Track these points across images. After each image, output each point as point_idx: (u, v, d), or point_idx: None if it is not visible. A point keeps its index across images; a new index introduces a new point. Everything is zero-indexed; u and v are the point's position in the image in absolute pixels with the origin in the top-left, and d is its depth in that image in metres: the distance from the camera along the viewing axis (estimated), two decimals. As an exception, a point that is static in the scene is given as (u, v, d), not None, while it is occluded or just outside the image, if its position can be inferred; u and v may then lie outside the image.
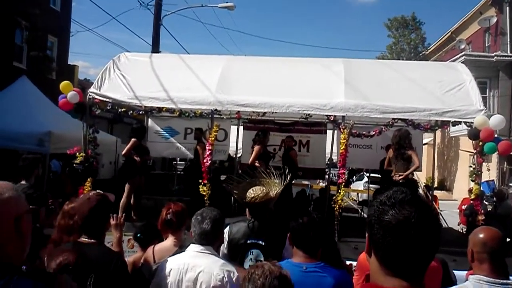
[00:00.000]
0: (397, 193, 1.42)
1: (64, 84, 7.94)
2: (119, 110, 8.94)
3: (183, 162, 14.14)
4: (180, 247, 3.22)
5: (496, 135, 7.43)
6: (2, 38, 15.67)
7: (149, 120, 10.83)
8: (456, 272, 3.88)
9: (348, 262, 4.26)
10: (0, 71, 15.10)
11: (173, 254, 3.09)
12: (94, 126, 8.04)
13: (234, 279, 2.82)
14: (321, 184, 15.00)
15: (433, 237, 1.37)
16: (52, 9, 19.05)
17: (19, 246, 1.63)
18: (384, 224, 1.38)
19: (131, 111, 9.28)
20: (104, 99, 8.07)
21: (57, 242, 3.20)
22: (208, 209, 3.12)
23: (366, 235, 1.46)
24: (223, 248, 3.53)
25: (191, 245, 3.00)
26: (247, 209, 3.79)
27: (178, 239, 3.55)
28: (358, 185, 20.66)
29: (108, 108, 8.53)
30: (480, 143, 7.16)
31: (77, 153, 7.75)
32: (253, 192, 3.67)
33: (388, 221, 1.37)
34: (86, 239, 2.87)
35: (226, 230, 3.59)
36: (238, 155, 11.03)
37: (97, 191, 3.22)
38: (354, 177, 22.31)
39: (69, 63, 21.16)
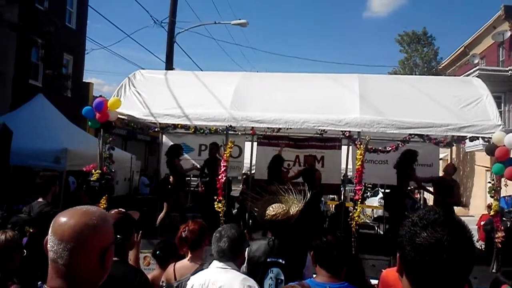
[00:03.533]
0: (430, 214, 1.39)
1: (115, 100, 7.94)
2: (134, 127, 9.00)
3: (196, 179, 14.14)
4: (201, 265, 3.20)
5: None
6: (19, 56, 15.91)
7: (164, 136, 10.88)
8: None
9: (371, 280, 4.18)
10: (16, 89, 15.33)
11: (195, 271, 3.07)
12: (110, 143, 8.08)
13: None
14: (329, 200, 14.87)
15: (467, 260, 1.33)
16: (67, 27, 19.35)
17: (99, 277, 1.57)
18: (415, 246, 1.34)
19: (147, 128, 9.33)
20: (120, 116, 8.12)
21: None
22: (228, 226, 3.11)
23: (397, 255, 1.43)
24: (243, 266, 3.49)
25: (214, 261, 2.99)
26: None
27: (198, 256, 3.53)
28: (373, 201, 20.49)
29: (122, 125, 8.61)
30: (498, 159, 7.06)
31: (93, 170, 7.77)
32: (274, 209, 3.63)
33: (419, 243, 1.33)
34: (110, 257, 2.85)
35: (246, 248, 3.56)
36: (252, 171, 11.00)
37: (119, 209, 3.21)
38: (369, 193, 22.13)
39: (84, 80, 21.42)
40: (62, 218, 1.53)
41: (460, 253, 1.32)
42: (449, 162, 10.25)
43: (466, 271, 1.35)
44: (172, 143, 9.64)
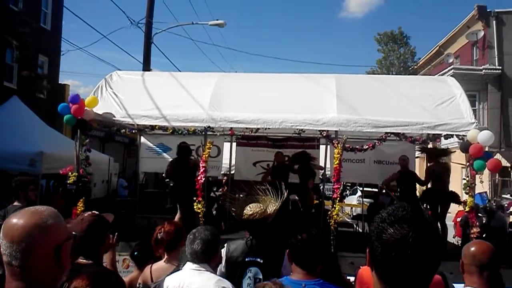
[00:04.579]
0: (398, 210, 1.41)
1: (92, 99, 7.88)
2: (112, 129, 8.91)
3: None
4: (178, 266, 3.19)
5: (486, 149, 7.48)
6: (-8, 58, 15.64)
7: (142, 137, 10.81)
8: (454, 285, 3.87)
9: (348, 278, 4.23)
10: (-10, 91, 15.04)
11: (171, 273, 3.06)
12: (87, 145, 7.98)
13: None
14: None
15: (432, 256, 1.37)
16: (42, 28, 19.02)
17: (56, 275, 1.58)
18: (382, 241, 1.37)
19: (124, 130, 9.24)
20: (97, 117, 8.04)
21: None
22: (202, 228, 3.08)
23: (367, 250, 1.45)
24: (221, 266, 3.50)
25: (187, 263, 2.97)
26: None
27: (175, 258, 3.52)
28: (352, 199, 20.67)
29: (99, 126, 8.50)
30: (472, 156, 7.21)
31: (70, 173, 7.68)
32: (251, 209, 3.65)
33: (386, 239, 1.36)
34: (84, 260, 2.83)
35: (224, 248, 3.57)
36: (232, 172, 11.01)
37: (93, 211, 3.18)
38: (348, 191, 22.32)
39: (59, 82, 21.11)
40: (12, 220, 1.55)
41: (425, 249, 1.34)
42: (425, 160, 10.40)
43: (431, 267, 1.38)
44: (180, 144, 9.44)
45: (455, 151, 9.63)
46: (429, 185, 9.37)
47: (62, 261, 1.56)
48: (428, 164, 9.51)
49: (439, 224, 8.59)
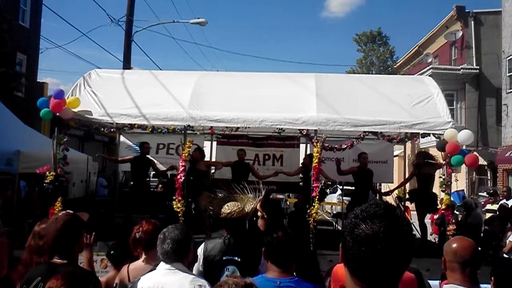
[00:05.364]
0: (371, 207, 1.44)
1: (74, 99, 7.81)
2: (91, 128, 8.82)
3: (156, 179, 13.97)
4: (156, 265, 3.18)
5: (463, 147, 7.62)
6: (-32, 55, 15.31)
7: (121, 136, 10.73)
8: (430, 282, 3.92)
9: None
10: (-34, 89, 14.74)
11: (147, 273, 3.05)
12: (64, 144, 7.88)
13: None
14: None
15: (403, 252, 1.39)
16: (20, 26, 18.72)
17: None
18: (354, 237, 1.39)
19: (103, 128, 9.16)
20: (75, 116, 7.95)
21: (28, 264, 3.12)
22: (172, 227, 3.04)
23: (340, 245, 1.48)
24: (199, 265, 3.49)
25: (161, 263, 2.96)
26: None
27: (152, 258, 3.50)
28: (332, 198, 20.76)
29: (77, 125, 8.43)
30: (449, 154, 7.33)
31: (47, 172, 7.58)
32: (229, 207, 3.65)
33: (357, 234, 1.39)
34: (59, 260, 2.81)
35: (202, 247, 3.56)
36: (212, 171, 10.98)
37: (67, 210, 3.15)
38: (328, 189, 22.41)
39: (38, 80, 20.80)
40: None
41: (395, 245, 1.37)
42: (405, 158, 10.53)
43: (402, 263, 1.40)
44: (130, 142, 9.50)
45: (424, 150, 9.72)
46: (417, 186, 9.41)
47: None
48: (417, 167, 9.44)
49: (418, 223, 8.70)
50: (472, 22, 21.95)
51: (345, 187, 13.55)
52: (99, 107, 7.96)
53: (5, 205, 5.88)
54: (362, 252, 1.37)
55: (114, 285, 3.46)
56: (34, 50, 20.07)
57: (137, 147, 10.83)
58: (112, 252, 3.99)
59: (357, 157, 9.44)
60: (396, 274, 1.41)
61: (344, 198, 12.96)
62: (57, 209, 7.18)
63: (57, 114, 7.63)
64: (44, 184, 7.55)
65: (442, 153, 7.64)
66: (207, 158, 11.01)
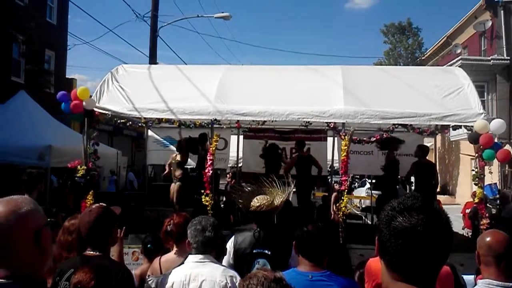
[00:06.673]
0: (409, 199, 1.42)
1: (82, 90, 7.88)
2: (118, 122, 8.92)
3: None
4: (186, 258, 3.20)
5: (496, 140, 7.42)
6: (0, 53, 15.69)
7: (149, 131, 10.84)
8: (464, 277, 3.85)
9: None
10: (-2, 86, 15.13)
11: (179, 265, 3.07)
12: (95, 139, 8.00)
13: (237, 284, 2.80)
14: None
15: (442, 245, 1.37)
16: (48, 23, 19.08)
17: (39, 260, 1.63)
18: (391, 229, 1.38)
19: (130, 123, 9.27)
20: (103, 111, 8.05)
21: (57, 259, 3.16)
22: (203, 217, 3.10)
23: (376, 238, 1.45)
24: (229, 258, 3.51)
25: (189, 256, 2.98)
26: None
27: (183, 250, 3.53)
28: (361, 192, 20.62)
29: (104, 121, 8.53)
30: (481, 147, 7.15)
31: (78, 167, 7.71)
32: (258, 201, 3.65)
33: (394, 227, 1.37)
34: (91, 252, 2.85)
35: (232, 240, 3.57)
36: (239, 165, 11.02)
37: (101, 203, 3.19)
38: (356, 183, 22.26)
39: (67, 76, 21.18)
40: None
41: (434, 238, 1.35)
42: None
43: (440, 257, 1.38)
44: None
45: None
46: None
47: (42, 245, 1.61)
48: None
49: None
50: (502, 11, 21.38)
51: (373, 181, 13.42)
52: (127, 102, 8.03)
53: (38, 199, 5.97)
54: (399, 245, 1.35)
55: (147, 277, 3.50)
56: (62, 47, 20.44)
57: (165, 141, 10.95)
58: (149, 246, 4.04)
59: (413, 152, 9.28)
60: (434, 268, 1.38)
61: (372, 191, 12.84)
62: (89, 203, 7.30)
63: (84, 107, 7.71)
64: (76, 178, 7.68)
65: (474, 146, 7.46)
66: (233, 152, 11.08)
